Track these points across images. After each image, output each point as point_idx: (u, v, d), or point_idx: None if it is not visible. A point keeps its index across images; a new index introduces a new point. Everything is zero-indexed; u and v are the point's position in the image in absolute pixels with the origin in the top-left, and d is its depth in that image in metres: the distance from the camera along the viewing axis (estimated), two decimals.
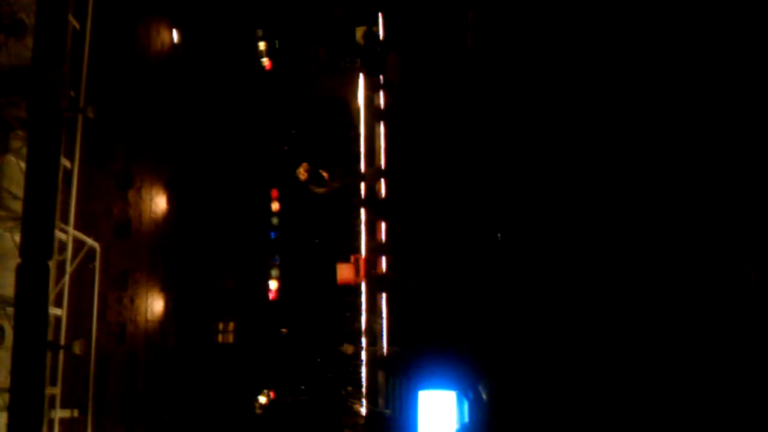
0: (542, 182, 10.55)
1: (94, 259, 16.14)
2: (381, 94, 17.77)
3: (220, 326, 21.22)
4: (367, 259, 17.08)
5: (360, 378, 19.44)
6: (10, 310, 12.86)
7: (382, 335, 17.23)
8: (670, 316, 7.75)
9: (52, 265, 13.10)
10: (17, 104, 13.11)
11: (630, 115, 8.55)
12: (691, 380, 7.36)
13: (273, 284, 21.47)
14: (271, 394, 20.54)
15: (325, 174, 16.08)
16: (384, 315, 17.03)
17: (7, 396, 12.42)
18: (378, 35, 17.74)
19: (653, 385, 7.93)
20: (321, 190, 16.51)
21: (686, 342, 7.46)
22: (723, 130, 6.77)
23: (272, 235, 21.61)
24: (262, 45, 20.15)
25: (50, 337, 13.50)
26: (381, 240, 17.04)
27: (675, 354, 7.63)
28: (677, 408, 7.57)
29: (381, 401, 17.32)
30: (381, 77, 17.22)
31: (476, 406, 11.49)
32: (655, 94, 8.04)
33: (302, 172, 16.15)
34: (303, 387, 20.95)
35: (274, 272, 21.50)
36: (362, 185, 18.07)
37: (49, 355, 13.19)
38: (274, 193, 21.55)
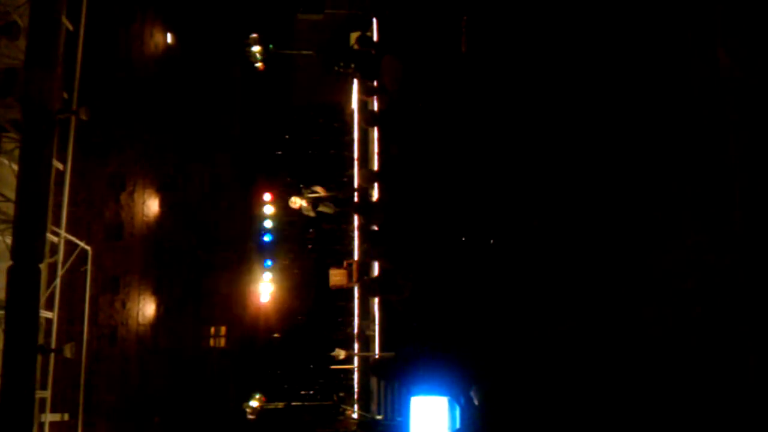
0: (536, 188, 10.55)
1: (85, 262, 16.08)
2: (375, 98, 17.78)
3: (212, 330, 21.17)
4: (360, 264, 17.07)
5: (352, 383, 19.42)
6: (1, 312, 12.79)
7: (374, 340, 17.22)
8: (665, 322, 7.76)
9: (43, 267, 13.06)
10: (10, 106, 13.07)
11: (626, 121, 8.56)
12: (685, 388, 7.36)
13: (265, 288, 21.43)
14: (263, 399, 20.49)
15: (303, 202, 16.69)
16: (376, 320, 17.02)
17: None
18: (372, 40, 17.76)
19: (647, 390, 7.93)
20: (313, 214, 16.95)
21: (682, 350, 7.46)
22: (720, 133, 6.79)
23: (265, 238, 21.58)
24: (256, 49, 20.11)
25: (41, 340, 13.44)
26: (375, 243, 17.03)
27: (670, 357, 7.64)
28: (671, 410, 7.58)
29: (373, 407, 17.30)
30: (375, 82, 17.24)
31: (468, 411, 11.48)
32: (651, 92, 8.05)
33: (294, 201, 16.64)
34: (295, 392, 20.91)
35: (267, 276, 21.46)
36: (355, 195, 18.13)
37: (39, 358, 13.13)
38: (267, 196, 21.52)
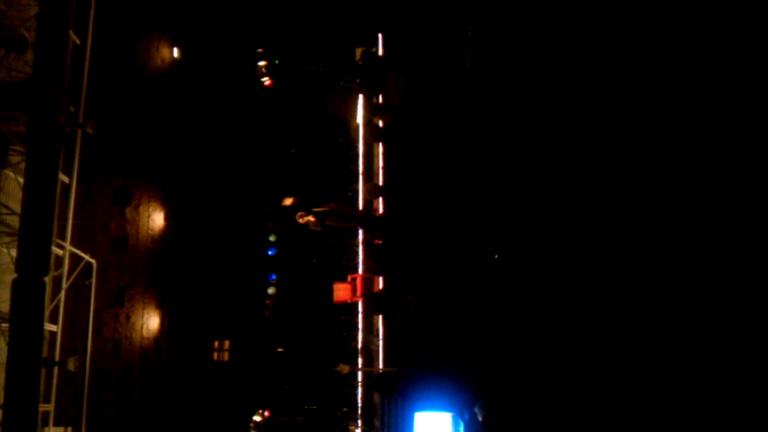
0: (541, 204, 10.54)
1: (90, 275, 16.11)
2: (380, 113, 17.79)
3: (216, 344, 21.14)
4: (364, 279, 17.03)
5: (356, 398, 19.34)
6: (5, 325, 12.81)
7: (378, 355, 17.16)
8: (669, 338, 7.74)
9: (48, 280, 13.08)
10: (16, 119, 13.14)
11: (632, 135, 8.57)
12: (685, 393, 7.34)
13: (269, 302, 21.39)
14: (266, 413, 20.43)
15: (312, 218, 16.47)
16: (380, 335, 16.96)
17: (0, 412, 12.35)
18: (377, 55, 17.79)
19: (650, 404, 7.90)
20: (319, 228, 16.80)
21: (681, 359, 7.44)
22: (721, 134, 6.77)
23: (269, 252, 21.58)
24: (262, 63, 20.18)
25: (45, 353, 13.45)
26: (378, 258, 17.00)
27: (671, 369, 7.62)
28: (672, 423, 7.56)
29: (376, 422, 17.22)
30: (380, 97, 17.26)
31: (472, 427, 11.43)
32: (661, 102, 8.05)
33: (301, 216, 16.53)
34: (298, 407, 20.85)
35: (271, 290, 21.44)
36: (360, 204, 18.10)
37: (43, 371, 13.13)
38: (271, 209, 21.52)
